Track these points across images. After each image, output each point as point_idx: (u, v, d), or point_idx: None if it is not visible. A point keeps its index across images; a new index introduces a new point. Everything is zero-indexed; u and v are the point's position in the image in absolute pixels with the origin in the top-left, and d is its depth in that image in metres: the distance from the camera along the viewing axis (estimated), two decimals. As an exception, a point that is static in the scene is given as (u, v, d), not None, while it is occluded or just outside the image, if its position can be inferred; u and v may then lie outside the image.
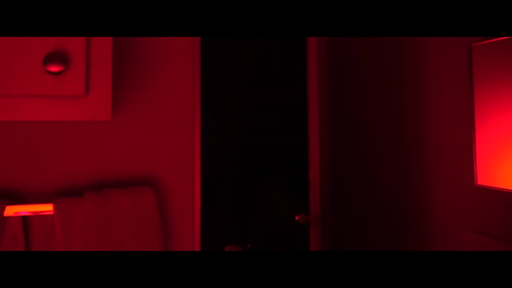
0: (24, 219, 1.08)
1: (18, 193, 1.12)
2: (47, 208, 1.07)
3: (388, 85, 1.64)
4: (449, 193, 1.34)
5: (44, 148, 1.15)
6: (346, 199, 1.86)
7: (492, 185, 1.18)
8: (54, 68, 0.76)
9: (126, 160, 1.23)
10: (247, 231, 1.77)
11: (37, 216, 1.09)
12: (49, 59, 0.76)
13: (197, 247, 1.49)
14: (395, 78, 1.61)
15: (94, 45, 0.82)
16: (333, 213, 1.88)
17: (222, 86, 1.81)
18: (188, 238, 1.29)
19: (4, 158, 1.12)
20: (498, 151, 1.17)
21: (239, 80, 1.84)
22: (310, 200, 1.87)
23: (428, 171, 1.43)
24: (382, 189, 1.66)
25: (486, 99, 1.19)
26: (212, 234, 1.76)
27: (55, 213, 1.05)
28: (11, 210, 1.04)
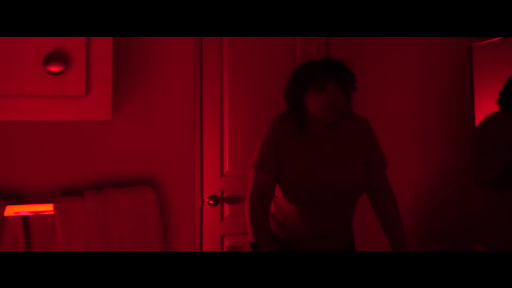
0: (24, 219, 1.08)
1: (18, 193, 1.12)
2: (47, 208, 1.07)
3: (387, 85, 1.64)
4: (448, 192, 1.34)
5: (44, 148, 1.15)
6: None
7: (491, 184, 1.18)
8: (54, 68, 0.76)
9: (126, 160, 1.22)
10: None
11: (37, 216, 1.09)
12: (49, 59, 0.76)
13: (197, 247, 1.49)
14: (395, 78, 1.61)
15: (94, 45, 0.82)
16: None
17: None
18: (188, 238, 1.29)
19: (4, 158, 1.12)
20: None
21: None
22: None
23: (428, 170, 1.43)
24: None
25: (486, 97, 1.19)
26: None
27: (55, 213, 1.05)
28: (11, 210, 1.04)
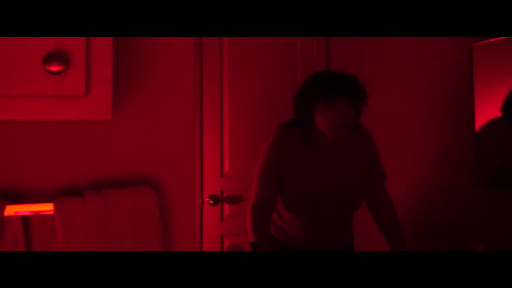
0: (24, 219, 1.08)
1: (18, 193, 1.12)
2: (47, 207, 1.07)
3: (386, 85, 1.64)
4: (448, 192, 1.34)
5: (44, 148, 1.15)
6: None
7: (490, 184, 1.18)
8: (54, 68, 0.76)
9: (126, 160, 1.23)
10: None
11: (37, 216, 1.09)
12: (49, 58, 0.76)
13: (197, 247, 1.49)
14: (394, 78, 1.60)
15: (94, 44, 0.82)
16: None
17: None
18: (188, 238, 1.29)
19: (4, 158, 1.12)
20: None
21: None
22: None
23: (427, 170, 1.43)
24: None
25: (486, 97, 1.19)
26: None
27: (56, 212, 1.05)
28: (11, 210, 1.04)
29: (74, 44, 0.79)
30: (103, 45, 0.83)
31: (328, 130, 1.15)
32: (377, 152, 1.31)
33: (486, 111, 1.19)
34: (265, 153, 1.24)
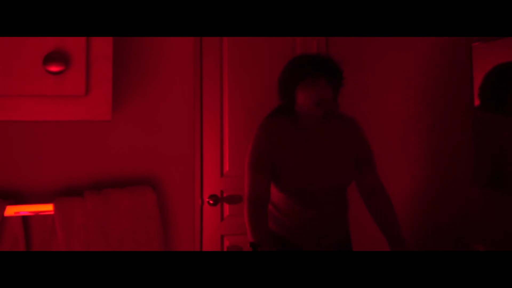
0: (24, 219, 1.08)
1: (18, 193, 1.12)
2: (47, 208, 1.07)
3: (386, 85, 1.64)
4: (448, 192, 1.34)
5: (44, 148, 1.15)
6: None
7: (490, 184, 1.18)
8: (54, 68, 0.76)
9: (126, 160, 1.22)
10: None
11: (37, 216, 1.09)
12: (49, 58, 0.76)
13: (197, 247, 1.49)
14: (394, 78, 1.60)
15: (94, 44, 0.82)
16: None
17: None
18: (188, 238, 1.29)
19: (4, 158, 1.12)
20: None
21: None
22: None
23: (427, 170, 1.43)
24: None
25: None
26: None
27: (56, 213, 1.05)
28: (11, 210, 1.04)
29: (74, 44, 0.79)
30: (103, 45, 0.83)
31: (310, 109, 1.19)
32: (364, 139, 1.32)
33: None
34: (254, 144, 1.26)
